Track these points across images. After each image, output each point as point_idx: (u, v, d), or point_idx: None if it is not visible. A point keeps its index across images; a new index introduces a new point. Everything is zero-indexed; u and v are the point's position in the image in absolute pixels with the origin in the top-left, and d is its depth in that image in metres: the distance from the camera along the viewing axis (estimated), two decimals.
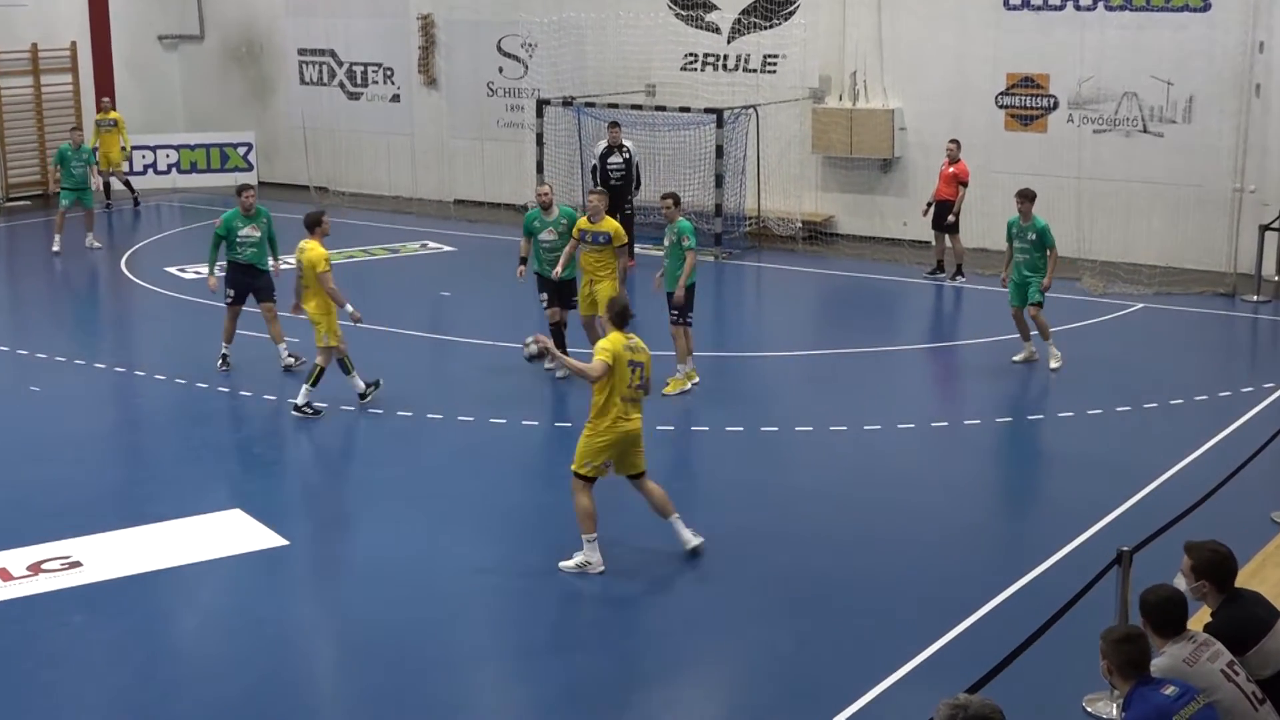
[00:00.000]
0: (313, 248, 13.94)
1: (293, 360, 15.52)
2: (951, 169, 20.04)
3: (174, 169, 28.82)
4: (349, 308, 13.91)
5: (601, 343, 10.35)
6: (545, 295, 15.25)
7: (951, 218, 20.01)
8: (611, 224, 14.90)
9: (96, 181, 26.32)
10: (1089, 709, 8.34)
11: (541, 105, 23.82)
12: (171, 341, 17.43)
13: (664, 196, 14.96)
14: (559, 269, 15.04)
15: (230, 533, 11.20)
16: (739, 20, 23.44)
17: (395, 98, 27.39)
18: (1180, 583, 6.95)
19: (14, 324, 18.76)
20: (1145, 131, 20.53)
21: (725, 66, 23.66)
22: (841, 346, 17.18)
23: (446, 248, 23.09)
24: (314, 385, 13.90)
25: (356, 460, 13.03)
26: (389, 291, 20.08)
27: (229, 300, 15.64)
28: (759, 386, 15.69)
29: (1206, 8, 19.88)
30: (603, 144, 21.93)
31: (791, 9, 22.99)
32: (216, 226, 15.75)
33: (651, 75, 24.06)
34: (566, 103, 23.74)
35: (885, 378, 15.88)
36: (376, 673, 8.92)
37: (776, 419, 14.03)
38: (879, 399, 14.76)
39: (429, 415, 14.03)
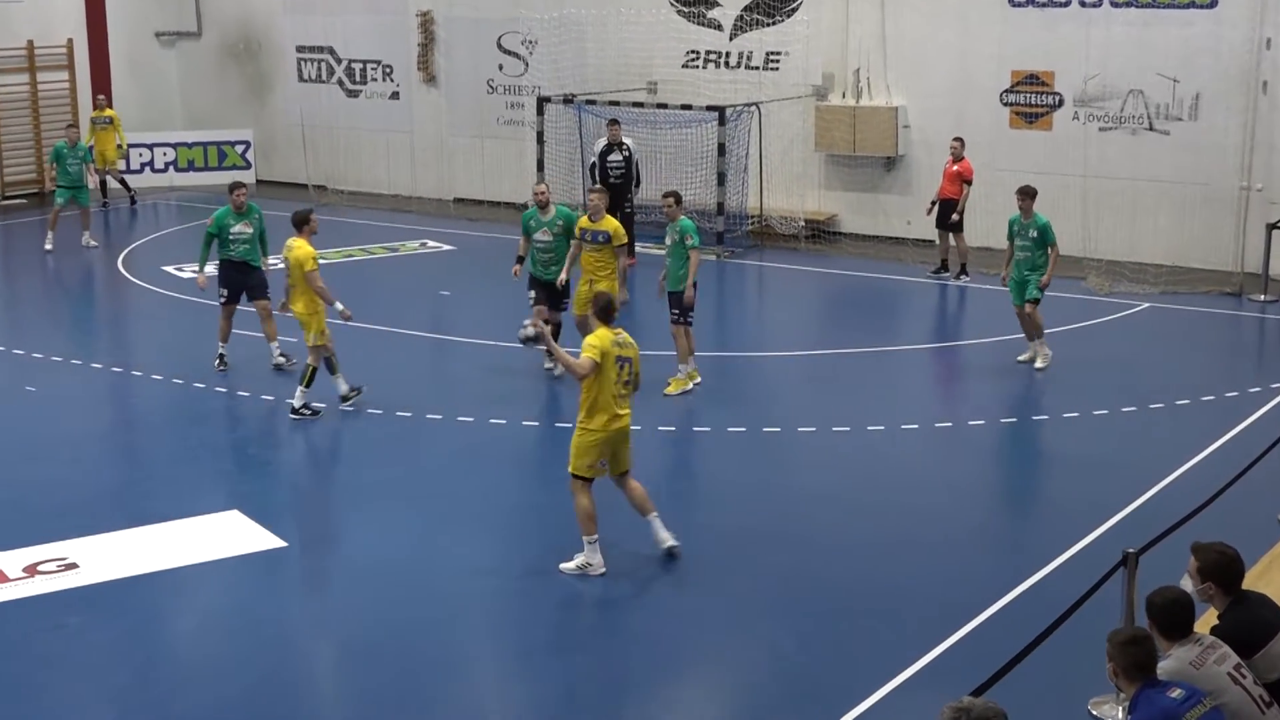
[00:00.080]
0: (300, 246, 13.89)
1: (284, 360, 15.53)
2: (955, 167, 20.04)
3: (171, 167, 28.81)
4: (338, 305, 13.89)
5: (589, 339, 10.34)
6: (534, 293, 15.22)
7: (955, 216, 20.01)
8: (611, 223, 14.89)
9: (93, 180, 26.37)
10: (1094, 712, 8.34)
11: (542, 103, 23.82)
12: (168, 341, 17.42)
13: (665, 195, 14.95)
14: (564, 274, 14.97)
15: (228, 534, 11.20)
16: (741, 17, 23.44)
17: (394, 95, 27.38)
18: (1187, 584, 6.94)
19: (10, 323, 18.76)
20: (1151, 129, 20.52)
21: (727, 64, 23.66)
22: (844, 346, 17.18)
23: (446, 247, 23.09)
24: (308, 386, 13.89)
25: (355, 461, 13.03)
26: (388, 291, 20.08)
27: (222, 299, 15.65)
28: (761, 387, 15.69)
29: (1213, 4, 19.86)
30: (602, 141, 21.93)
31: (794, 6, 22.98)
32: (208, 225, 15.77)
33: (653, 72, 24.05)
34: (567, 100, 23.73)
35: (889, 378, 15.88)
36: (376, 674, 8.92)
37: (779, 419, 14.03)
38: (882, 399, 14.76)
39: (428, 415, 14.03)
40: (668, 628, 9.65)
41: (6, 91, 27.08)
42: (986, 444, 13.76)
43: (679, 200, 14.86)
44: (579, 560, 10.33)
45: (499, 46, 25.94)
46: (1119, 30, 20.44)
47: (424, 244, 23.31)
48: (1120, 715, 8.03)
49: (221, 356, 15.57)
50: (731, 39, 23.57)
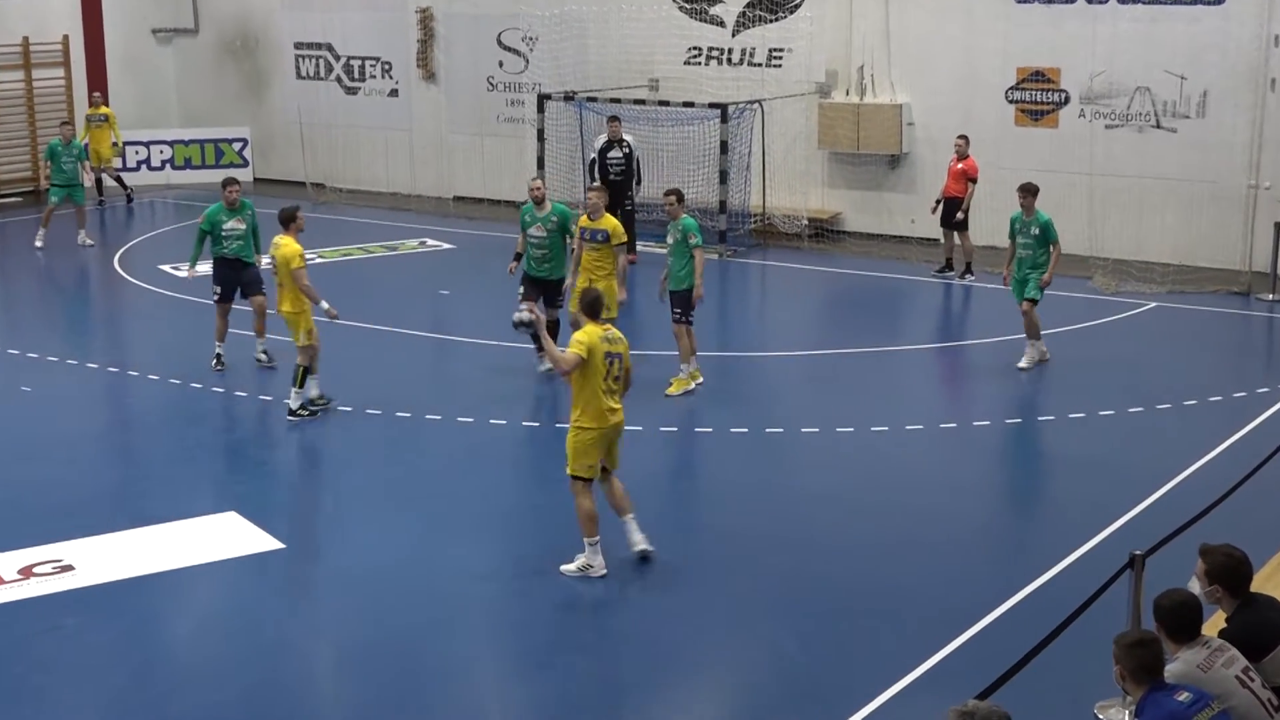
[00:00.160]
0: (287, 244, 13.84)
1: (264, 357, 15.58)
2: (960, 165, 20.04)
3: (168, 165, 28.83)
4: (324, 304, 13.82)
5: (577, 335, 10.33)
6: (523, 288, 15.20)
7: (960, 215, 20.01)
8: (610, 221, 14.88)
9: (90, 178, 26.37)
10: (1101, 716, 8.34)
11: (542, 100, 23.82)
12: (165, 340, 17.43)
13: (667, 193, 14.95)
14: (570, 278, 14.95)
15: (225, 535, 11.20)
16: (744, 13, 23.44)
17: (393, 92, 27.39)
18: (1194, 587, 6.94)
19: (6, 323, 18.78)
20: (1158, 127, 20.52)
21: (730, 61, 23.66)
22: (848, 346, 17.18)
23: (445, 245, 23.09)
24: (301, 387, 13.88)
25: (354, 462, 13.03)
26: (387, 290, 20.09)
27: (217, 297, 15.67)
28: (764, 387, 15.69)
29: (1221, 1, 19.86)
30: (602, 138, 21.95)
31: (797, 2, 22.98)
32: (200, 222, 15.78)
33: (655, 69, 24.06)
34: (568, 97, 23.74)
35: (892, 378, 15.88)
36: (374, 676, 8.92)
37: (781, 420, 14.03)
38: (886, 400, 14.76)
39: (428, 416, 14.04)
40: (669, 629, 9.64)
41: (1, 89, 27.09)
42: (991, 445, 13.76)
43: (681, 198, 14.85)
44: (580, 562, 10.33)
45: (499, 43, 25.95)
46: (1125, 26, 20.44)
47: (423, 243, 23.31)
48: (1127, 719, 8.02)
49: (219, 356, 15.58)
50: (734, 35, 23.57)
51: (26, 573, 10.41)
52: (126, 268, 21.30)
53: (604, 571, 10.30)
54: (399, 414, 14.10)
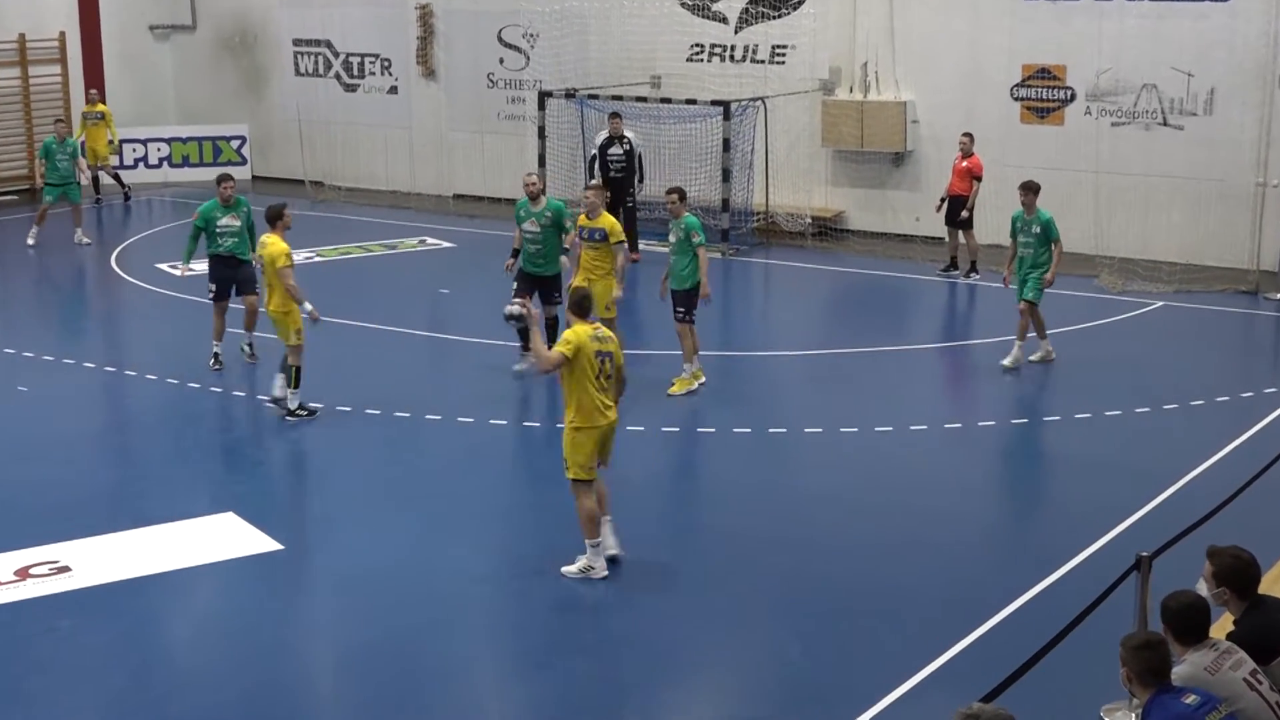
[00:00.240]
0: (274, 243, 13.82)
1: (248, 350, 15.69)
2: (965, 163, 20.03)
3: (165, 162, 28.83)
4: (307, 305, 13.74)
5: (565, 334, 10.32)
6: (516, 285, 15.20)
7: (965, 213, 20.00)
8: (608, 220, 14.87)
9: (86, 176, 26.37)
10: (1107, 718, 8.34)
11: (543, 97, 23.82)
12: (163, 340, 17.43)
13: (669, 191, 14.95)
14: (575, 277, 14.93)
15: (223, 536, 11.20)
16: (747, 10, 23.44)
17: (393, 89, 27.39)
18: (1202, 589, 6.94)
19: (1, 322, 18.78)
20: (1165, 124, 20.51)
21: (733, 57, 23.66)
22: (852, 346, 17.18)
23: (445, 244, 23.09)
24: (296, 387, 13.88)
25: (353, 462, 13.03)
26: (386, 289, 20.10)
27: (212, 295, 15.69)
28: (767, 387, 15.70)
29: None
30: (603, 134, 21.95)
31: None
32: (194, 219, 15.80)
33: (656, 66, 24.04)
34: (569, 95, 23.74)
35: (897, 378, 15.88)
36: (373, 677, 8.93)
37: (785, 420, 14.03)
38: (890, 400, 14.76)
39: (427, 416, 14.04)
40: (670, 630, 9.65)
41: None
42: (997, 445, 13.76)
43: (683, 197, 14.84)
44: (581, 563, 10.34)
45: (499, 40, 25.95)
46: (1132, 23, 20.43)
47: (423, 241, 23.32)
48: None
49: (216, 355, 15.59)
50: (737, 32, 23.57)
51: (23, 574, 10.42)
52: (124, 266, 21.31)
53: (605, 573, 10.30)
54: (398, 414, 14.10)
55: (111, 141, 26.43)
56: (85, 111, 26.42)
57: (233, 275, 15.63)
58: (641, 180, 21.97)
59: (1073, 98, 21.12)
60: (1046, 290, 15.65)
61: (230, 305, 15.75)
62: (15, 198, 26.78)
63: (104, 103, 26.75)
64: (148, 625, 9.90)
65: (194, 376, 15.32)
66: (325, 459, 13.29)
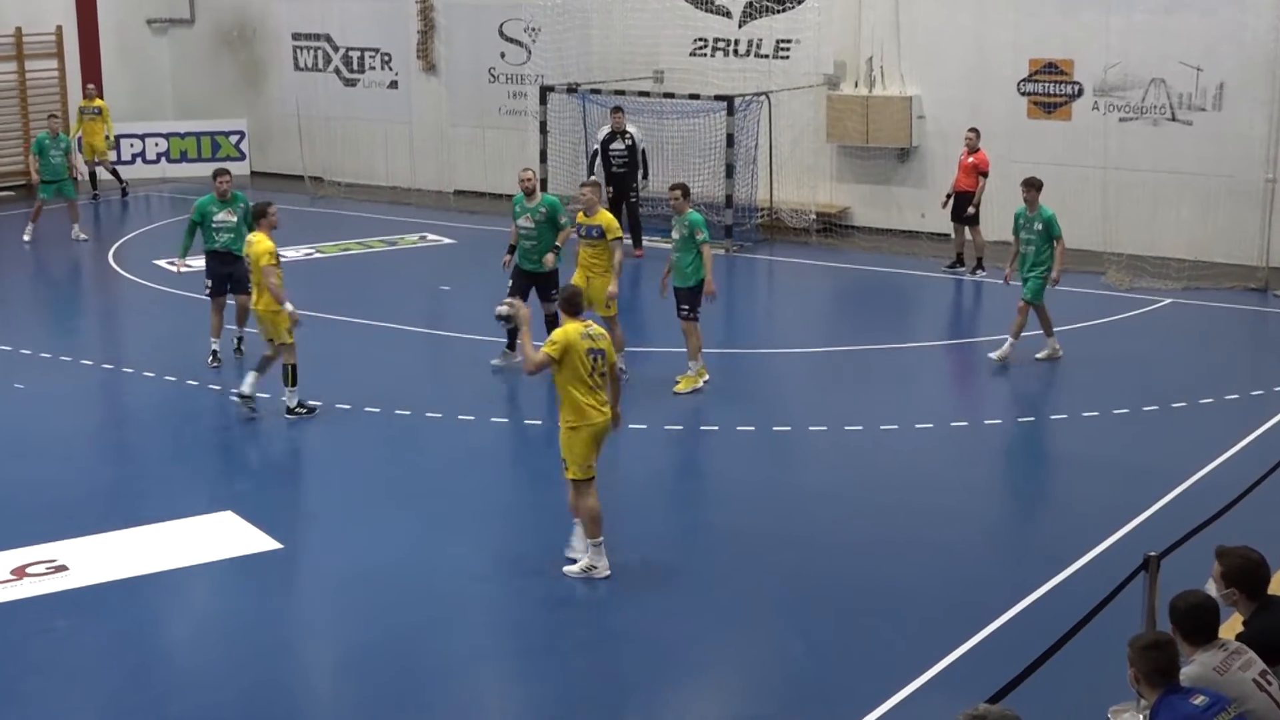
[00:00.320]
0: (259, 241, 13.78)
1: (237, 342, 15.70)
2: (971, 159, 20.02)
3: (163, 158, 28.84)
4: (288, 306, 13.63)
5: (554, 334, 10.30)
6: (513, 282, 15.21)
7: (971, 209, 19.99)
8: (605, 217, 14.83)
9: (83, 171, 26.39)
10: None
11: (545, 92, 23.81)
12: (161, 337, 17.44)
13: (672, 187, 14.92)
14: (575, 275, 14.91)
15: (221, 535, 11.21)
16: (750, 3, 23.42)
17: (393, 84, 27.39)
18: (1210, 589, 6.93)
19: None
20: (1173, 119, 20.50)
21: (736, 52, 23.65)
22: (857, 343, 17.18)
23: (446, 240, 23.10)
24: (294, 385, 13.86)
25: (352, 460, 13.04)
26: (386, 285, 20.11)
27: (208, 291, 15.71)
28: (771, 384, 15.69)
29: None
30: (605, 130, 21.95)
31: None
32: (191, 213, 15.80)
33: (660, 61, 24.05)
34: (571, 89, 23.73)
35: (902, 375, 15.87)
36: (373, 677, 8.93)
37: (789, 418, 14.03)
38: (896, 397, 14.75)
39: (428, 414, 14.05)
40: (672, 629, 9.65)
41: None
42: (1003, 444, 13.76)
43: (687, 193, 14.82)
44: (584, 563, 10.34)
45: (501, 34, 25.95)
46: (1140, 17, 20.41)
47: (423, 237, 23.32)
48: None
49: (214, 353, 15.60)
50: (740, 26, 23.56)
51: (19, 573, 10.43)
52: (121, 262, 21.32)
53: (608, 573, 10.30)
54: (398, 412, 14.11)
55: (108, 137, 26.43)
56: (82, 106, 26.42)
57: (229, 271, 15.62)
58: (645, 176, 21.97)
59: (1080, 93, 21.11)
60: (1055, 287, 15.63)
61: (228, 301, 15.75)
62: (13, 193, 26.78)
63: (101, 98, 26.75)
64: (145, 625, 9.91)
65: (192, 374, 15.32)
66: (325, 457, 13.30)
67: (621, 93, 23.01)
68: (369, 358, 16.28)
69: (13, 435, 13.70)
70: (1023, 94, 21.52)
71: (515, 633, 9.80)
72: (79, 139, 26.35)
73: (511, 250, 15.43)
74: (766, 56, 23.37)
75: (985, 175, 19.96)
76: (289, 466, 13.44)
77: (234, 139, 29.09)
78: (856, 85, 22.72)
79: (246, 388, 13.87)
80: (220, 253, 15.62)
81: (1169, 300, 18.76)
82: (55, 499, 11.95)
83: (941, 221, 21.07)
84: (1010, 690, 6.49)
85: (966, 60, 21.76)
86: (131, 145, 28.48)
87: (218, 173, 15.92)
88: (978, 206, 20.01)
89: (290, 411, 13.88)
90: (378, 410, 14.15)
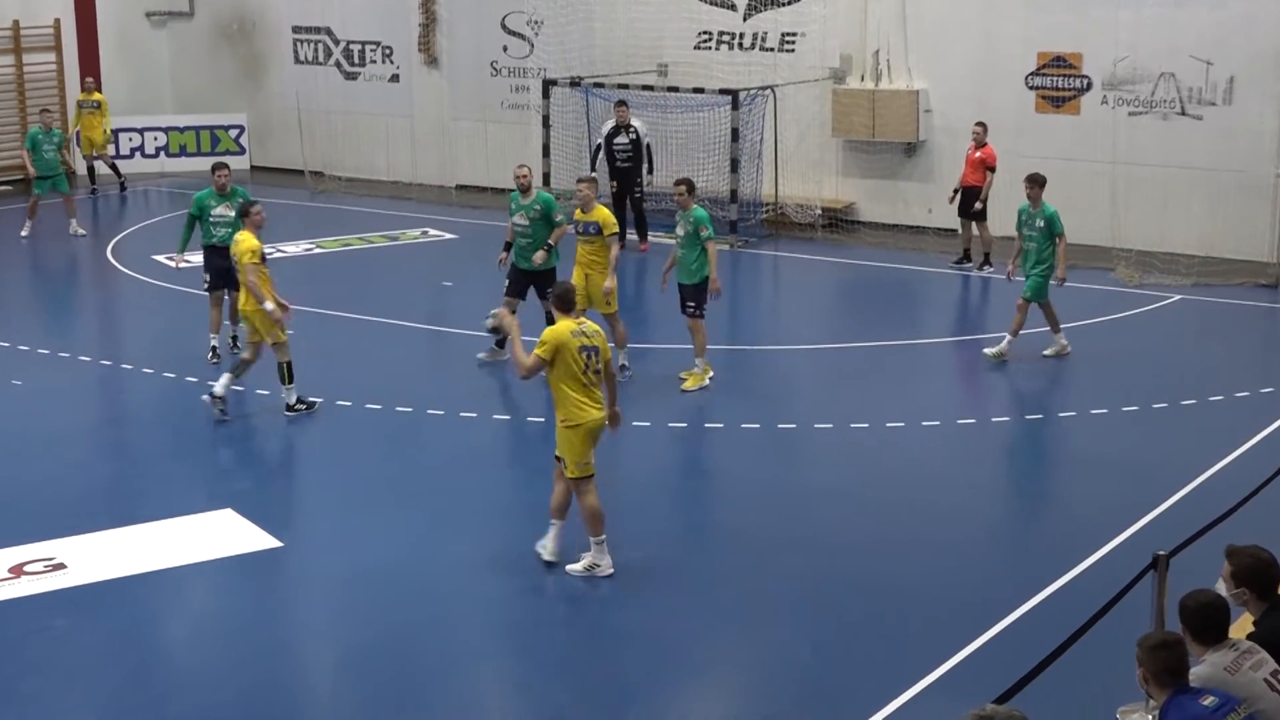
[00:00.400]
0: (244, 239, 13.76)
1: (231, 341, 15.66)
2: (978, 153, 20.01)
3: (162, 152, 28.86)
4: (268, 304, 13.57)
5: (544, 334, 10.29)
6: (509, 282, 15.22)
7: (979, 205, 19.97)
8: (602, 213, 14.79)
9: (81, 166, 26.42)
10: None
11: (548, 86, 23.82)
12: (159, 333, 17.46)
13: (677, 183, 14.90)
14: (574, 273, 14.82)
15: (221, 533, 11.22)
16: None
17: (394, 78, 27.40)
18: (1220, 589, 6.94)
19: None
20: (1183, 114, 20.48)
21: (741, 45, 23.64)
22: (863, 340, 17.17)
23: (448, 235, 23.11)
24: (291, 382, 13.86)
25: (353, 458, 13.04)
26: (388, 281, 20.12)
27: (206, 286, 15.72)
28: (776, 381, 15.69)
29: None
30: (610, 124, 21.95)
31: None
32: (190, 207, 15.82)
33: (664, 54, 24.04)
34: (574, 83, 23.73)
35: (909, 372, 15.87)
36: (373, 676, 8.94)
37: (794, 415, 14.02)
38: (902, 395, 14.75)
39: (429, 411, 14.05)
40: (675, 628, 9.65)
41: None
42: (1010, 441, 13.76)
43: (692, 188, 14.80)
44: (587, 561, 10.34)
45: (503, 27, 25.94)
46: (1149, 11, 20.39)
47: (425, 232, 23.33)
48: None
49: (214, 349, 15.61)
50: (746, 19, 23.55)
51: (17, 571, 10.44)
52: (119, 258, 21.33)
53: (611, 570, 10.30)
54: (400, 409, 14.11)
55: (105, 132, 26.43)
56: (81, 100, 26.43)
57: (227, 266, 15.56)
58: (650, 170, 21.96)
59: (1089, 87, 21.09)
60: (1063, 284, 15.60)
61: (226, 296, 15.75)
62: (10, 188, 26.79)
63: (100, 91, 26.75)
64: (144, 624, 9.92)
65: (192, 370, 15.33)
66: (325, 454, 13.31)
67: (625, 86, 23.02)
68: (370, 354, 16.29)
69: (11, 432, 13.70)
70: (1031, 88, 21.51)
71: (517, 631, 9.80)
72: (77, 133, 26.37)
73: (508, 248, 15.42)
74: (772, 50, 23.36)
75: (993, 170, 19.95)
76: (289, 464, 13.46)
77: (233, 133, 29.10)
78: (863, 79, 22.70)
79: (219, 388, 13.76)
80: (218, 247, 15.61)
81: (1178, 296, 18.75)
82: (53, 496, 11.96)
83: (948, 217, 21.05)
84: (1018, 690, 6.48)
85: (974, 54, 21.75)
86: (130, 139, 28.49)
87: (216, 167, 15.93)
88: (985, 202, 19.99)
89: (290, 409, 13.88)
90: (379, 407, 14.16)
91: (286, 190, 26.29)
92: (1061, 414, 14.36)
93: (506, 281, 15.30)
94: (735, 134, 22.10)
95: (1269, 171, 19.89)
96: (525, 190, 15.20)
